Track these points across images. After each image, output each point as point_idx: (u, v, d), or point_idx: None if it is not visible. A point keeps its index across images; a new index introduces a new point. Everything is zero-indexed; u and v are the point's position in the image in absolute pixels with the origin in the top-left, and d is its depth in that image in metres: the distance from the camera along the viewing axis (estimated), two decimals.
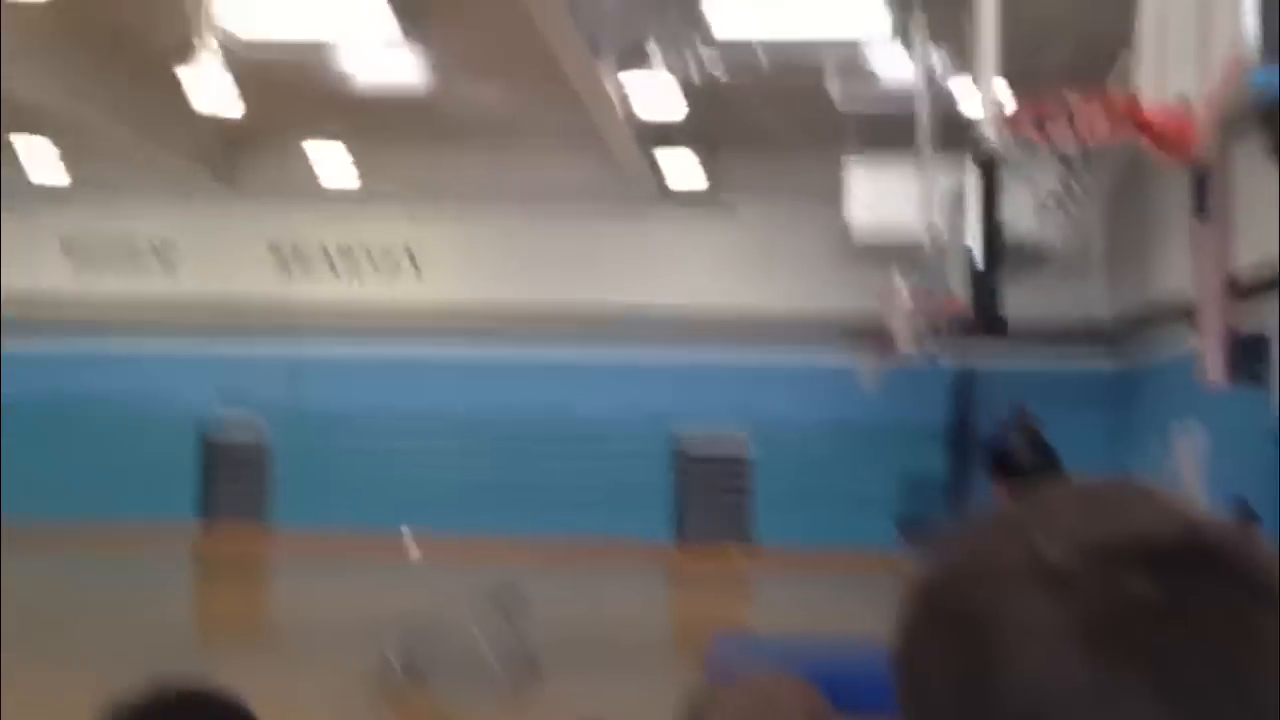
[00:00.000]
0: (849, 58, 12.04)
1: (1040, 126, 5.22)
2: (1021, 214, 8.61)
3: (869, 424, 16.64)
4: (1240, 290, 10.97)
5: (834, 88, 12.27)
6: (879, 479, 16.63)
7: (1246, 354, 10.90)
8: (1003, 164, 5.91)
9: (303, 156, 16.46)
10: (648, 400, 17.29)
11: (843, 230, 13.81)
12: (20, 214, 17.83)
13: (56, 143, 15.47)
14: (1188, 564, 0.59)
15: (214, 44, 11.05)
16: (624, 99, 12.16)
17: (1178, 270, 12.89)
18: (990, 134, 5.86)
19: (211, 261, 18.27)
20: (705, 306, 17.62)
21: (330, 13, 11.16)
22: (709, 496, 17.66)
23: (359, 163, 16.67)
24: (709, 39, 11.52)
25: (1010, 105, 5.62)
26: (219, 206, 17.79)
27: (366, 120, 15.03)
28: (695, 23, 11.28)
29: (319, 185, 17.12)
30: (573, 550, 16.37)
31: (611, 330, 17.65)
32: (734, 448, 17.54)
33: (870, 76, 12.28)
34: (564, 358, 17.60)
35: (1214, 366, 11.23)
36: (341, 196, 17.57)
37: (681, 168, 15.90)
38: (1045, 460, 12.60)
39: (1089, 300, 16.63)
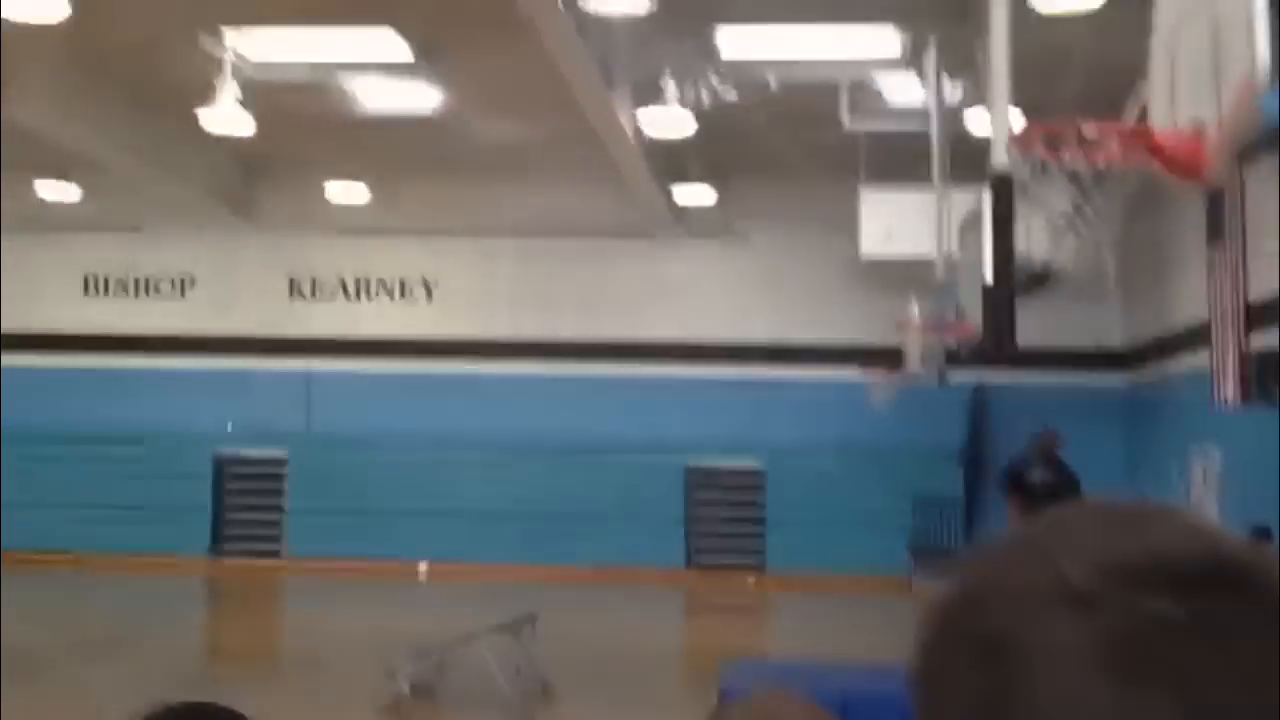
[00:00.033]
0: (861, 84, 12.07)
1: (1052, 147, 5.24)
2: (1035, 237, 8.61)
3: (881, 446, 16.63)
4: (1254, 312, 10.97)
5: (845, 114, 12.30)
6: (892, 501, 16.60)
7: (1260, 374, 10.88)
8: (1016, 187, 5.92)
9: (319, 189, 16.57)
10: (660, 424, 17.30)
11: (854, 256, 13.82)
12: (42, 245, 17.98)
13: (76, 177, 15.59)
14: (1211, 584, 0.59)
15: (232, 78, 11.16)
16: (637, 129, 12.22)
17: (1192, 292, 12.88)
18: (1003, 156, 5.87)
19: (229, 293, 18.37)
20: (718, 332, 17.66)
21: (346, 44, 11.26)
22: (722, 520, 17.64)
23: (375, 194, 16.77)
24: (721, 69, 11.57)
25: (1027, 128, 5.63)
26: (237, 239, 17.90)
27: (382, 152, 15.11)
28: (708, 53, 11.33)
29: (335, 217, 17.24)
30: (585, 573, 16.36)
31: (625, 357, 17.69)
32: (747, 471, 17.53)
33: (882, 102, 12.31)
34: (578, 384, 17.63)
35: (1228, 387, 11.22)
36: (358, 228, 17.67)
37: (694, 197, 15.96)
38: (1064, 484, 12.56)
39: (1103, 322, 16.61)
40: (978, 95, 10.46)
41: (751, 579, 17.04)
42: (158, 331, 18.27)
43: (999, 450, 15.52)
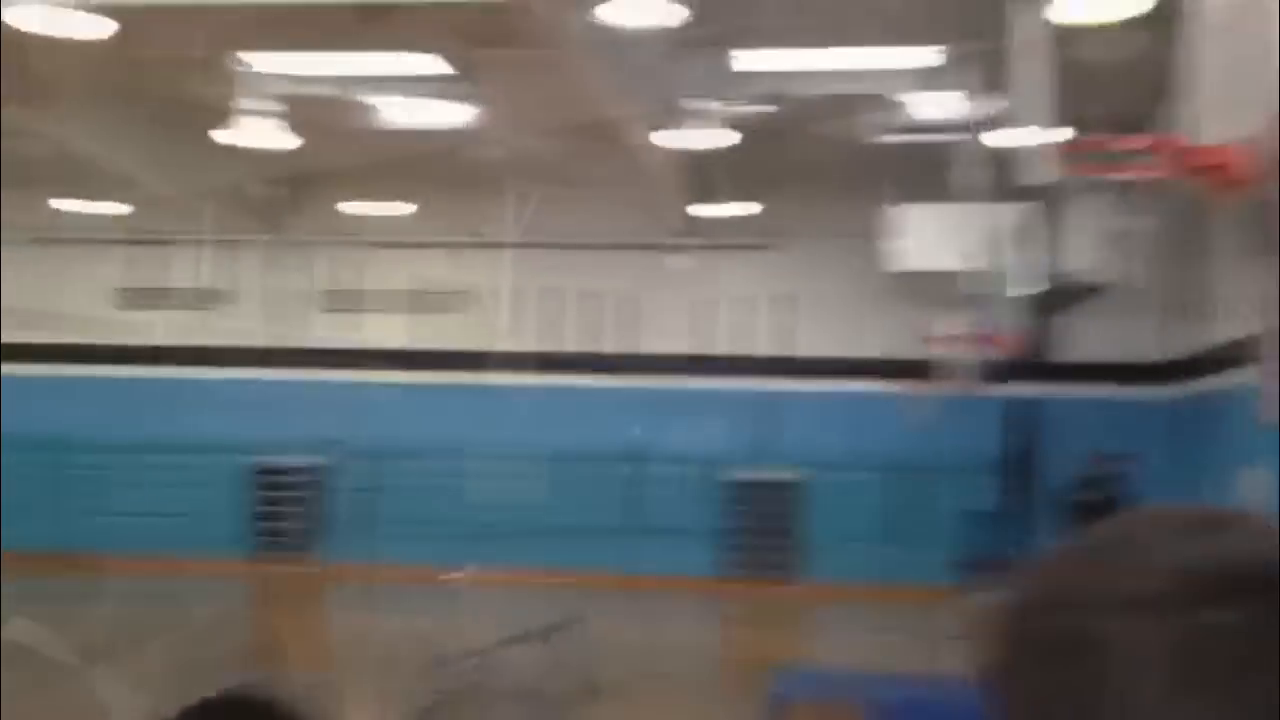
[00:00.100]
0: (894, 100, 12.07)
1: (1095, 163, 5.25)
2: (1074, 251, 8.58)
3: (920, 458, 16.55)
4: None
5: (878, 129, 12.31)
6: (931, 513, 16.52)
7: None
8: (1054, 200, 5.92)
9: (351, 203, 16.72)
10: (699, 436, 17.31)
11: (889, 269, 13.79)
12: (75, 258, 18.24)
13: (110, 191, 15.79)
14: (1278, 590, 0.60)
15: (264, 94, 11.30)
16: (667, 144, 12.26)
17: (1235, 307, 12.75)
18: (1040, 170, 5.87)
19: (264, 305, 18.54)
20: (756, 345, 17.65)
21: (377, 61, 11.36)
22: (761, 530, 17.62)
23: (406, 208, 16.90)
24: (751, 85, 11.60)
25: (1067, 142, 5.64)
26: (270, 253, 18.09)
27: (413, 166, 15.22)
28: (736, 69, 11.36)
29: (367, 230, 17.38)
30: (627, 582, 16.38)
31: (662, 370, 17.73)
32: (785, 483, 17.51)
33: (915, 118, 12.30)
34: (616, 396, 17.67)
35: (1272, 404, 11.09)
36: (388, 241, 17.82)
37: (729, 211, 15.99)
38: (1113, 509, 12.44)
39: (1145, 335, 16.47)
40: (1015, 110, 10.46)
41: (790, 589, 17.01)
42: (189, 342, 18.49)
43: (1040, 463, 15.42)
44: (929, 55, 10.90)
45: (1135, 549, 0.63)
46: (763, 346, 17.71)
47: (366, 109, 12.60)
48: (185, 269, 18.52)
